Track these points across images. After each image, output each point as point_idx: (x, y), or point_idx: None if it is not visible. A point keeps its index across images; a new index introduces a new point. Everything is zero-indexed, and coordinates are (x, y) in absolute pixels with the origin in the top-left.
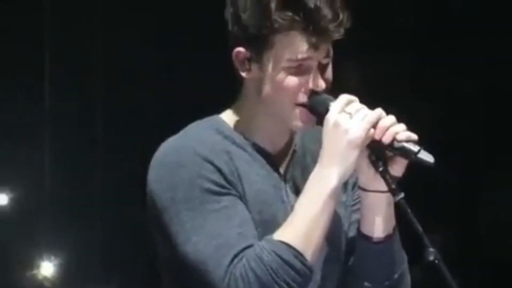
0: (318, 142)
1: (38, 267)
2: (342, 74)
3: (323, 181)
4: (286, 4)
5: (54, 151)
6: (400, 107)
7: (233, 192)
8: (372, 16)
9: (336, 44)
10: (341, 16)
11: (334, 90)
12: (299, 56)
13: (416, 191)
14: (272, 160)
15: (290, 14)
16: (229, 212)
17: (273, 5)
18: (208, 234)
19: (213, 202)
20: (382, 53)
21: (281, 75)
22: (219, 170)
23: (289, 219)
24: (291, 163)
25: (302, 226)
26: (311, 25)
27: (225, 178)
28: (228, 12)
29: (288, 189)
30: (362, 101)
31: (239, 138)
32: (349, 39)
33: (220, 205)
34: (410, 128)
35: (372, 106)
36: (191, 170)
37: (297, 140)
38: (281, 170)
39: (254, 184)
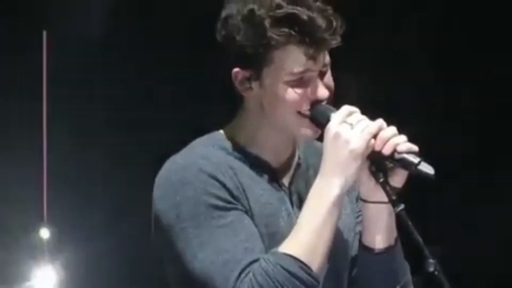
0: (319, 156)
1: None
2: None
3: (324, 191)
4: (280, 20)
5: (54, 151)
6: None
7: (239, 207)
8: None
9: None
10: (334, 24)
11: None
12: (298, 70)
13: (416, 202)
14: (276, 173)
15: (285, 29)
16: (235, 227)
17: (267, 23)
18: (214, 250)
19: (219, 218)
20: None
21: (283, 89)
22: (224, 186)
23: (293, 230)
24: (295, 176)
25: (306, 237)
26: (307, 37)
27: (231, 194)
28: (220, 35)
29: (293, 201)
30: (362, 111)
31: (241, 153)
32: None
33: (226, 220)
34: (410, 138)
35: (368, 112)
36: (196, 187)
37: (300, 153)
38: (285, 183)
39: (259, 198)
